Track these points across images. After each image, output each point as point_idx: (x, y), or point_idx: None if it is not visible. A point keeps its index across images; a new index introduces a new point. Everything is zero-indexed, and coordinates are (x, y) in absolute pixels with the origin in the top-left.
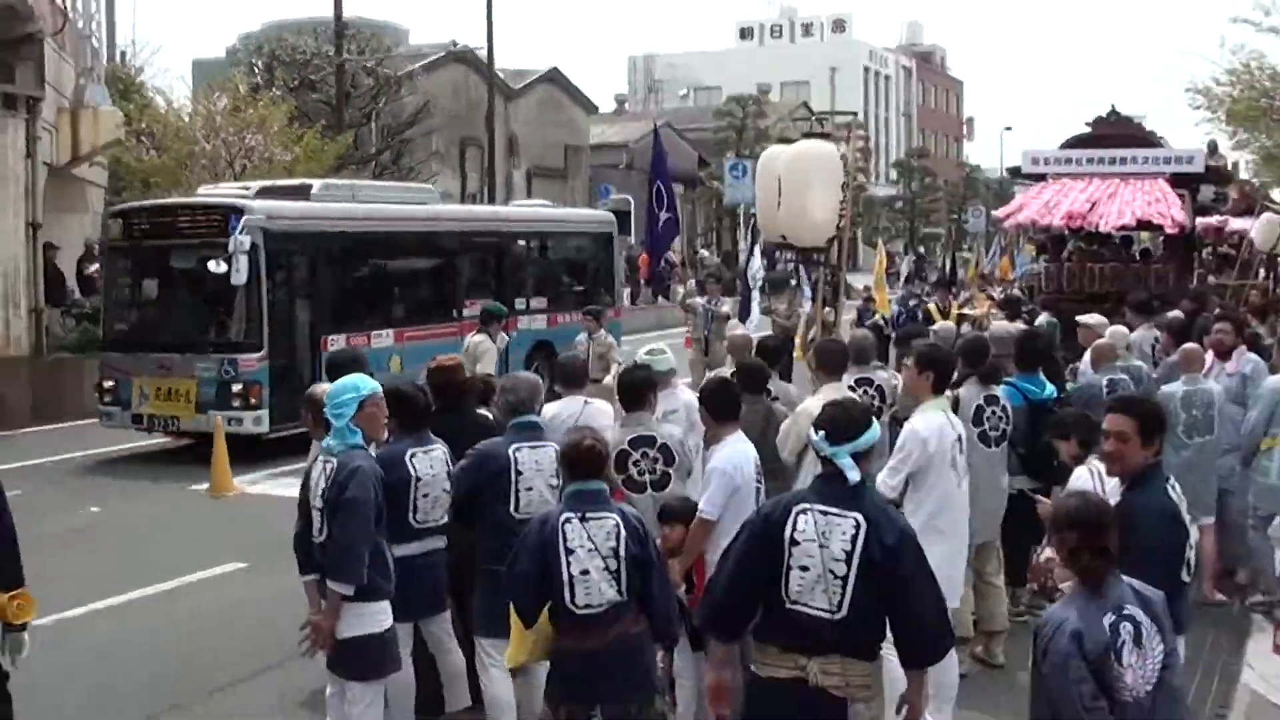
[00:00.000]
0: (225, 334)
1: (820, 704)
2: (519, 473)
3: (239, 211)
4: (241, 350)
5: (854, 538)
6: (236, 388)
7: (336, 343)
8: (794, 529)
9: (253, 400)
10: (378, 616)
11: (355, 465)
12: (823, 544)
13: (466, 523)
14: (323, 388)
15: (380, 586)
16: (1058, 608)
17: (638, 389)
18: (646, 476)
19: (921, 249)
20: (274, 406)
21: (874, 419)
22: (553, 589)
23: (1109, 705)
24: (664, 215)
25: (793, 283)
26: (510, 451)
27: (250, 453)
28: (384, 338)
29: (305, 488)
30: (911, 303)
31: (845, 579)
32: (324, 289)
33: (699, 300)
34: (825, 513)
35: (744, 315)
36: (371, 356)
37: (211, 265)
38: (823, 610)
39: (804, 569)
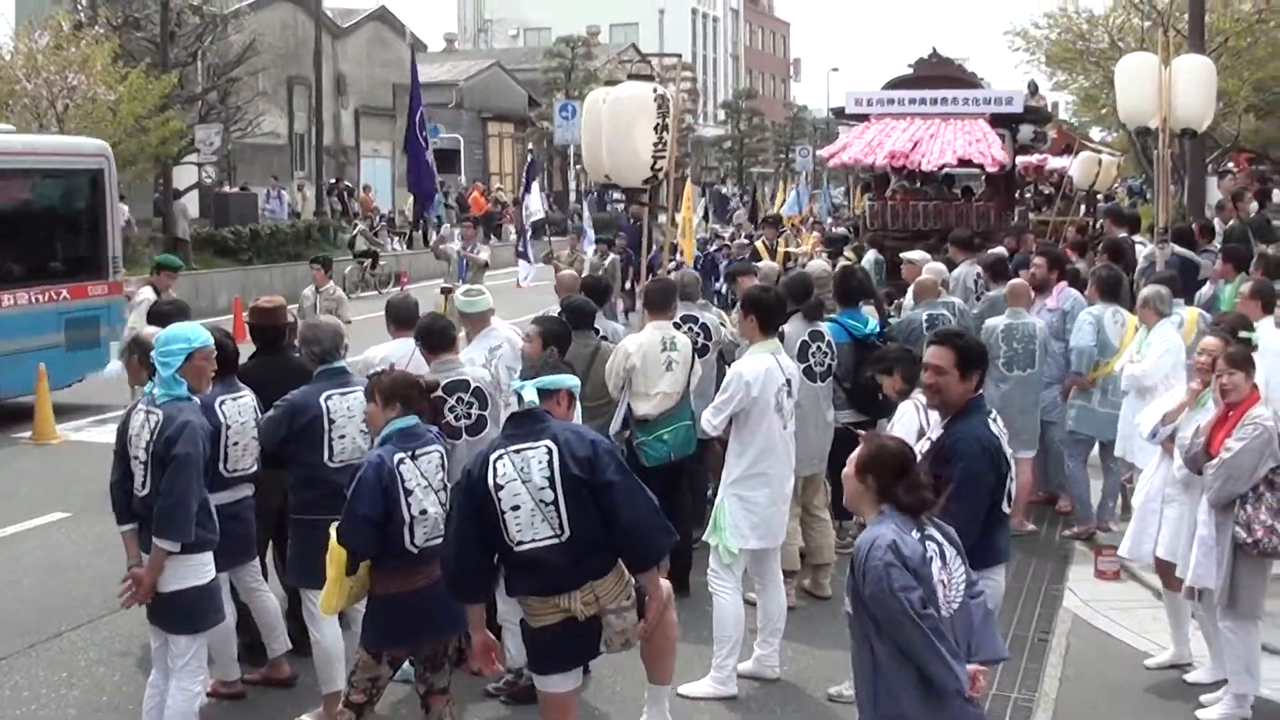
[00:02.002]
0: None
1: (582, 627)
2: (331, 421)
3: None
4: None
5: (549, 462)
6: None
7: None
8: (495, 476)
9: None
10: (202, 568)
11: (184, 419)
12: (524, 479)
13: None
14: (150, 330)
15: (205, 538)
16: (867, 530)
17: (440, 332)
18: (462, 422)
19: (723, 189)
20: None
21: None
22: (390, 533)
23: None
24: (429, 148)
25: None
26: (321, 400)
27: (77, 399)
28: None
29: (123, 436)
30: (711, 247)
31: (556, 503)
32: None
33: (453, 246)
34: (519, 450)
35: (523, 257)
36: None
37: None
38: (550, 538)
39: (515, 509)
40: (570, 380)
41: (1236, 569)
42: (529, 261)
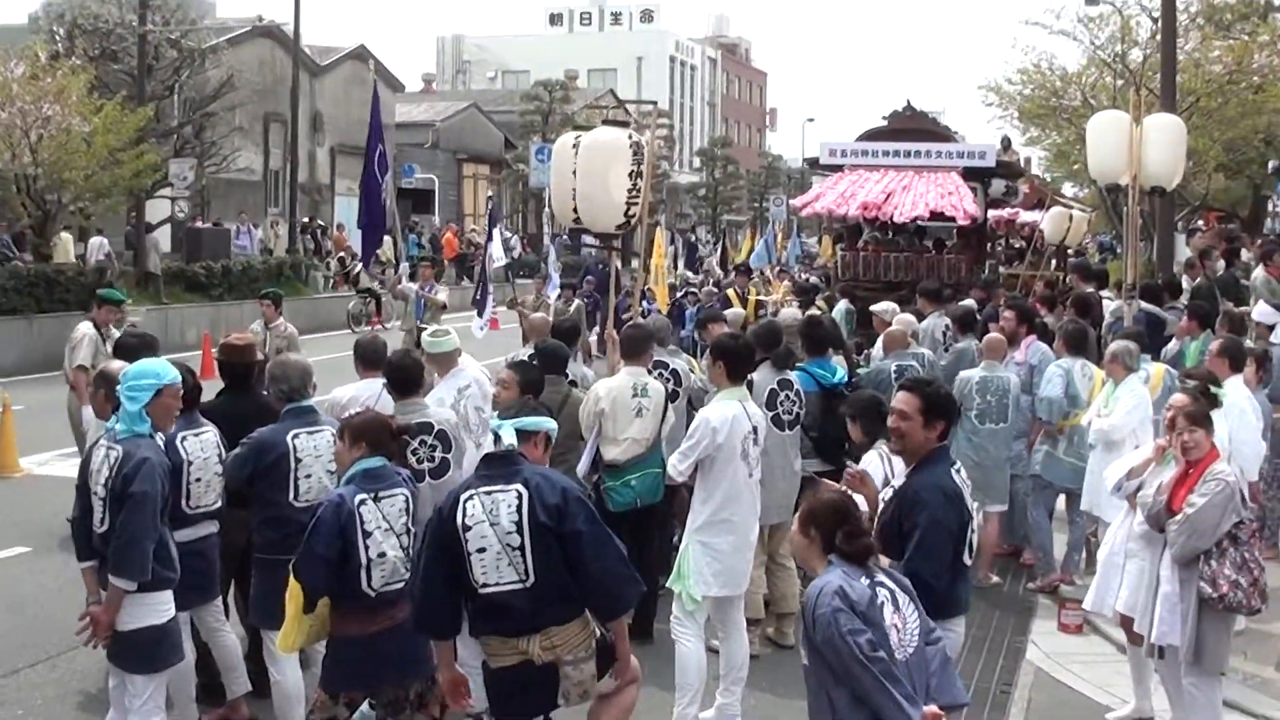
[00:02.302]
0: None
1: (540, 674)
2: (298, 460)
3: None
4: None
5: (519, 507)
6: None
7: None
8: (464, 516)
9: None
10: (160, 607)
11: (143, 456)
12: (492, 522)
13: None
14: (117, 364)
15: (163, 577)
16: (816, 580)
17: (409, 374)
18: (425, 465)
19: (693, 236)
20: None
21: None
22: (347, 574)
23: None
24: (385, 186)
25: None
26: (288, 439)
27: (41, 431)
28: None
29: (85, 471)
30: (679, 293)
31: (523, 548)
32: None
33: (411, 286)
34: (489, 492)
35: (479, 306)
36: None
37: None
38: (514, 583)
39: (481, 550)
40: (549, 423)
41: (1202, 625)
42: (480, 315)
